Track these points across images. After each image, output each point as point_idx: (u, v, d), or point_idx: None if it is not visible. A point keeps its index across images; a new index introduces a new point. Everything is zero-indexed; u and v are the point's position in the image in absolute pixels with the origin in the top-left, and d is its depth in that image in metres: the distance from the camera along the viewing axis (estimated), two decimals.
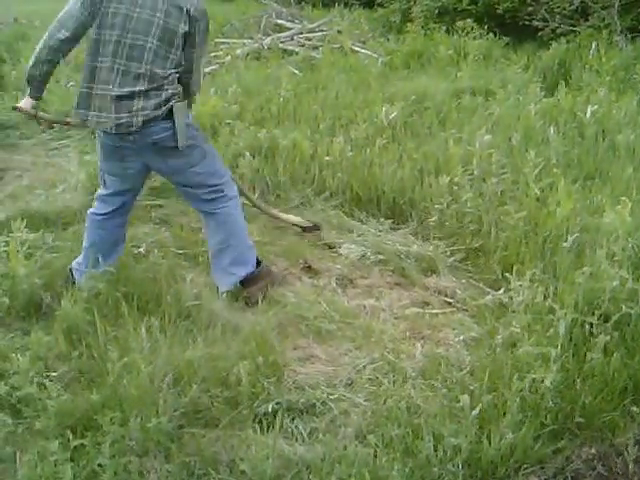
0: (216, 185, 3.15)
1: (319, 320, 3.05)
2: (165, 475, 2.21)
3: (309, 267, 3.55)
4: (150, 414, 2.30)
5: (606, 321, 2.73)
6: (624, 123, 4.98)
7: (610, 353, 2.58)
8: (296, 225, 3.98)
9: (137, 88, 2.86)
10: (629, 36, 7.65)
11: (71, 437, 2.22)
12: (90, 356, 2.69)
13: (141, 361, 2.49)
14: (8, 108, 6.15)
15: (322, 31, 9.57)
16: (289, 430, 2.41)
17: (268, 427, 2.38)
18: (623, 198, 3.26)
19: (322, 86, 6.37)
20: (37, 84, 2.98)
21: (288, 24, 10.07)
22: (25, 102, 3.04)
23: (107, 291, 3.03)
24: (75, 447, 2.21)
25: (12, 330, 2.92)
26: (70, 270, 3.26)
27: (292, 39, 9.21)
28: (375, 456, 2.22)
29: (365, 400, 2.55)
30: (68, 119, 3.49)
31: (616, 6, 7.79)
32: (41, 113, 3.20)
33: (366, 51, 8.41)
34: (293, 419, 2.46)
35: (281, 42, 8.94)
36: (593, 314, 2.74)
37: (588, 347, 2.62)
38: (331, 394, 2.58)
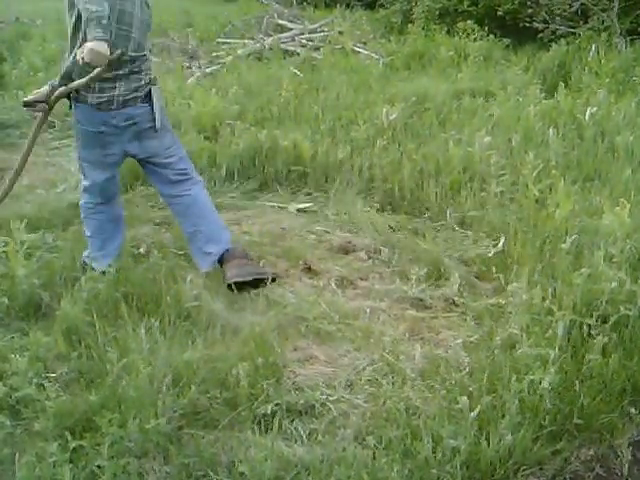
0: (184, 169, 3.39)
1: (319, 321, 3.05)
2: (164, 476, 2.22)
3: (309, 268, 3.55)
4: (149, 415, 2.30)
5: (604, 322, 2.73)
6: (623, 125, 4.99)
7: (608, 354, 2.58)
8: None
9: (120, 71, 3.05)
10: (628, 38, 7.67)
11: (70, 438, 2.22)
12: (89, 357, 2.69)
13: (140, 362, 2.50)
14: (9, 107, 6.19)
15: (323, 32, 9.59)
16: (288, 431, 2.41)
17: (267, 428, 2.38)
18: (622, 199, 3.26)
19: (323, 87, 6.38)
20: None
21: (289, 25, 10.09)
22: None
23: (106, 292, 3.04)
24: (74, 448, 2.21)
25: (11, 330, 2.93)
26: (83, 263, 3.40)
27: (293, 40, 9.22)
28: (374, 457, 2.22)
29: (364, 401, 2.55)
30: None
31: (615, 9, 7.81)
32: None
33: (367, 52, 8.43)
34: (292, 420, 2.46)
35: (282, 43, 8.95)
36: (591, 315, 2.74)
37: (586, 348, 2.62)
38: (330, 395, 2.58)
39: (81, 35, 2.95)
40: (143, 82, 3.14)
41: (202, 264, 3.40)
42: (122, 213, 3.53)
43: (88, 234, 3.39)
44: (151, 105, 3.16)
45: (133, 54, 3.08)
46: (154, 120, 3.18)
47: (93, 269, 3.29)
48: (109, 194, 3.37)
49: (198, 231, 3.39)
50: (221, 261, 3.37)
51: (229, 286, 3.25)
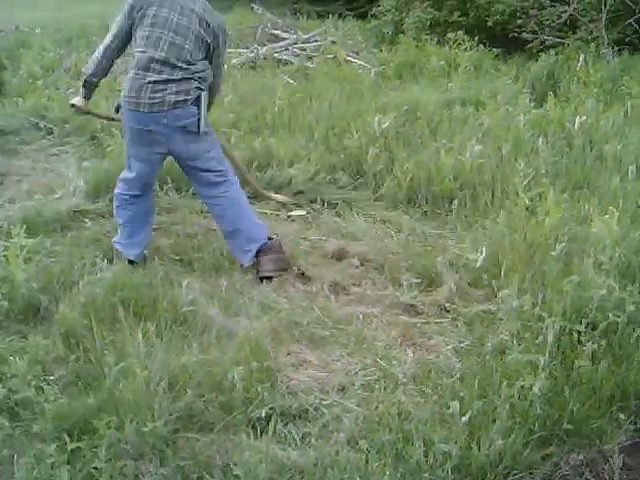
0: (221, 170, 3.57)
1: (312, 326, 3.08)
2: (160, 478, 2.23)
3: (302, 274, 3.58)
4: (146, 418, 2.33)
5: (594, 329, 2.76)
6: (611, 134, 5.03)
7: (597, 361, 2.61)
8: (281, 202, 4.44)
9: (173, 76, 3.29)
10: (616, 49, 7.73)
11: (68, 440, 2.24)
12: (87, 360, 2.72)
13: (137, 366, 2.52)
14: (9, 114, 6.21)
15: (316, 41, 9.63)
16: (282, 435, 2.44)
17: (261, 432, 2.41)
18: (610, 208, 3.31)
19: (316, 96, 6.40)
20: (91, 88, 3.53)
21: (283, 34, 10.12)
22: (79, 100, 3.56)
23: (104, 296, 3.06)
24: (72, 450, 2.23)
25: (10, 333, 2.94)
26: (115, 246, 3.62)
27: (287, 49, 9.25)
28: (367, 461, 2.24)
29: (357, 406, 2.58)
30: (113, 115, 3.80)
31: (603, 19, 7.89)
32: (92, 110, 3.76)
33: (359, 61, 8.47)
34: (286, 424, 2.49)
35: (276, 52, 8.98)
36: (581, 322, 2.77)
37: (576, 355, 2.66)
38: (324, 399, 2.61)
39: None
40: (194, 86, 3.32)
41: (243, 260, 3.60)
42: (153, 207, 3.74)
43: (120, 222, 3.61)
44: (199, 109, 3.34)
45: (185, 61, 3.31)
46: (199, 124, 3.35)
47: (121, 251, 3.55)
48: (148, 187, 3.60)
49: (238, 230, 3.57)
50: (257, 252, 3.57)
51: (260, 278, 3.52)
